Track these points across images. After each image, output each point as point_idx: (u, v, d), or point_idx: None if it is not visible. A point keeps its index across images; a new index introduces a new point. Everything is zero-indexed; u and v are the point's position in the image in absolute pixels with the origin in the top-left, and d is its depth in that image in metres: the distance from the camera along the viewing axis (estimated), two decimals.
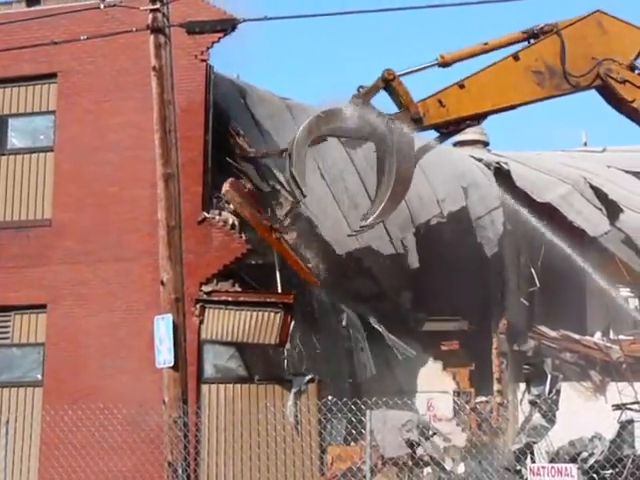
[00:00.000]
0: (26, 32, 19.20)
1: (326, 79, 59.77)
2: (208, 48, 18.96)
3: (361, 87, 17.27)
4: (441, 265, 21.79)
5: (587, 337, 23.74)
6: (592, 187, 24.44)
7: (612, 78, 17.48)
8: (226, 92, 20.32)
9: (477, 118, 17.95)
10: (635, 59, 17.62)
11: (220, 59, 19.56)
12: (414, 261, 21.89)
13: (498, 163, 24.45)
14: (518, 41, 18.00)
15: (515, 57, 17.71)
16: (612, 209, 24.32)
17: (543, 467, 14.22)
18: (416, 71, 17.92)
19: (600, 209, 24.38)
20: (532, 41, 17.98)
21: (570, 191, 24.49)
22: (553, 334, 23.80)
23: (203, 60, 19.01)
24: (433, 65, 17.90)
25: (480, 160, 24.55)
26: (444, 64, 17.79)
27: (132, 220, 18.94)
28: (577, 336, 23.66)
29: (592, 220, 24.15)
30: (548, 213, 24.14)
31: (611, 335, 23.54)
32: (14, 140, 20.26)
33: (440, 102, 17.48)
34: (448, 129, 18.17)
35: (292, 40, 59.19)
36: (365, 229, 17.39)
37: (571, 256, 17.46)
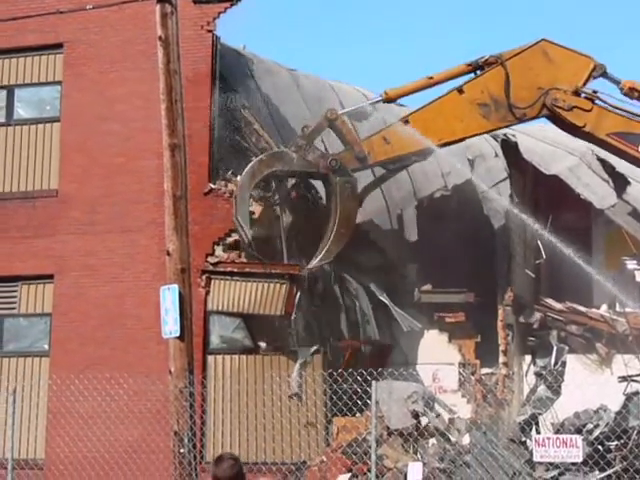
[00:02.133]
0: (32, 2, 19.21)
1: (334, 49, 59.54)
2: (214, 18, 18.91)
3: (305, 127, 17.96)
4: (447, 237, 21.76)
5: (593, 309, 23.71)
6: (599, 159, 24.36)
7: (559, 107, 17.58)
8: (232, 63, 20.26)
9: (423, 153, 18.17)
10: (582, 86, 17.62)
11: (226, 30, 19.52)
12: (412, 234, 21.86)
13: (505, 135, 24.36)
14: (463, 73, 18.17)
15: (459, 90, 17.90)
16: (619, 181, 24.25)
17: (548, 438, 14.25)
18: (360, 108, 18.63)
19: (607, 181, 24.31)
20: (477, 73, 18.09)
21: (577, 163, 24.42)
22: (559, 306, 23.77)
23: (209, 31, 18.94)
24: (378, 101, 18.47)
25: None
26: (388, 100, 18.23)
27: (138, 191, 18.95)
28: (583, 308, 23.63)
29: (599, 192, 24.09)
30: (555, 185, 24.13)
31: (617, 307, 23.51)
32: (20, 111, 20.24)
33: (385, 139, 17.81)
34: (395, 165, 18.55)
35: (299, 10, 58.96)
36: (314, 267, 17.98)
37: (574, 260, 17.61)
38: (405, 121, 17.97)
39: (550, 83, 17.75)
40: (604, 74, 17.88)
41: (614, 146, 18.03)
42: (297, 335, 18.67)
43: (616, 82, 17.91)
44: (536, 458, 14.37)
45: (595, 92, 17.84)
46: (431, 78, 18.06)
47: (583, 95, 17.68)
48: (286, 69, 22.06)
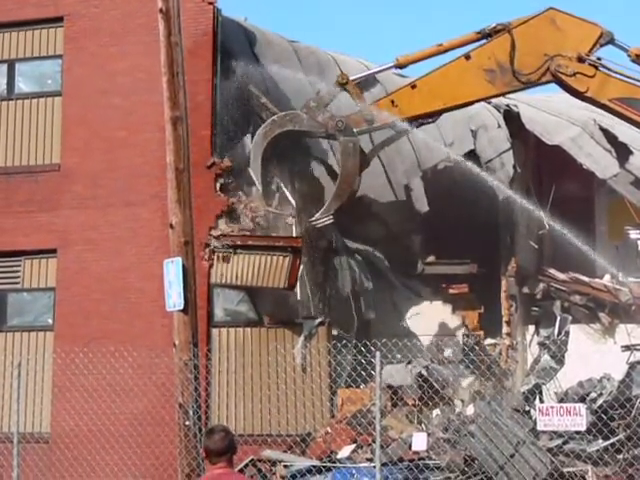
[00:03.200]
0: None
1: (336, 21, 59.24)
2: None
3: (319, 91, 18.91)
4: (450, 208, 21.75)
5: (596, 279, 23.73)
6: (602, 129, 24.33)
7: (562, 73, 18.14)
8: (233, 35, 20.20)
9: (430, 116, 18.92)
10: (589, 53, 17.96)
11: (228, 1, 19.55)
12: (422, 205, 21.91)
13: (507, 105, 24.33)
14: (472, 41, 18.86)
15: (466, 56, 18.45)
16: (622, 151, 24.22)
17: (552, 407, 14.29)
18: (372, 74, 19.75)
19: (610, 151, 24.28)
20: (486, 41, 18.56)
21: (580, 133, 24.39)
22: (562, 276, 23.80)
23: (210, 3, 18.88)
24: (390, 67, 19.28)
25: (489, 102, 24.41)
26: (399, 66, 19.03)
27: (141, 164, 18.93)
28: (586, 278, 23.66)
29: (601, 162, 24.08)
30: (558, 155, 24.09)
31: (620, 277, 23.54)
32: (21, 85, 20.19)
33: (392, 102, 18.56)
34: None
35: None
36: (319, 221, 18.67)
37: (575, 244, 17.97)
38: (412, 85, 18.55)
39: (556, 50, 18.05)
40: (612, 41, 18.11)
41: (616, 111, 18.42)
42: (301, 307, 18.70)
43: (624, 49, 18.15)
44: (540, 427, 14.42)
45: (599, 59, 18.08)
46: (441, 45, 18.65)
47: (587, 62, 17.89)
48: (287, 41, 21.98)
